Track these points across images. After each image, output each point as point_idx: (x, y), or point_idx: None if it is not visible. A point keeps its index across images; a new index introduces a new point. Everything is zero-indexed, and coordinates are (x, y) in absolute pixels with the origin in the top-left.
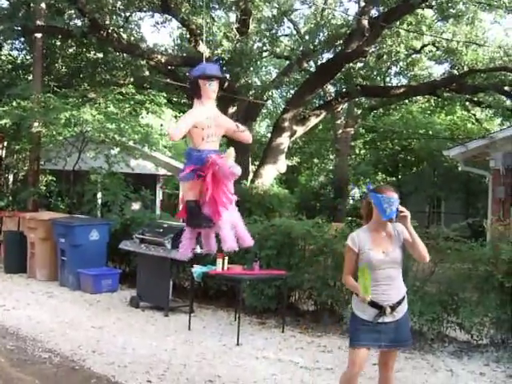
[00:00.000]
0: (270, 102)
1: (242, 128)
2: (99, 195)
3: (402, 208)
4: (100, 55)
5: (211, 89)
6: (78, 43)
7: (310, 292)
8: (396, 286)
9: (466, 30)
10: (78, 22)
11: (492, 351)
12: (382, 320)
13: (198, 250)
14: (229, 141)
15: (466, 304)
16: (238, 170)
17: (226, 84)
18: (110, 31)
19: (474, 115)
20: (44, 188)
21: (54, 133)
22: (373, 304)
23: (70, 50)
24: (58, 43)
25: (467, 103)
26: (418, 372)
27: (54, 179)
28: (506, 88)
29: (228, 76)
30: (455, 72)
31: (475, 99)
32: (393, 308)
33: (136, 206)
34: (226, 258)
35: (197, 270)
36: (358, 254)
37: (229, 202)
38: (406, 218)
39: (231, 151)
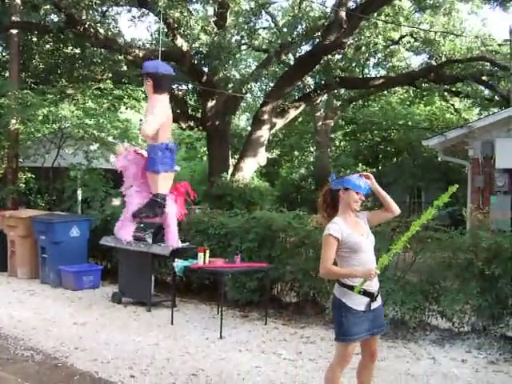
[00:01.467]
0: (249, 95)
1: None
2: (79, 191)
3: (363, 173)
4: (77, 51)
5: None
6: (54, 39)
7: (292, 284)
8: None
9: (444, 20)
10: (55, 18)
11: (473, 338)
12: (372, 307)
13: (180, 244)
14: (208, 134)
15: (446, 292)
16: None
17: (205, 77)
18: (86, 26)
19: (453, 105)
20: (23, 185)
21: (33, 130)
22: (365, 293)
23: (47, 46)
24: (35, 39)
25: (446, 93)
26: (400, 360)
27: (34, 176)
28: (484, 78)
29: (206, 70)
30: (433, 62)
31: (453, 89)
32: (378, 294)
33: (117, 201)
34: (208, 251)
35: (178, 264)
36: (340, 243)
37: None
38: (370, 177)
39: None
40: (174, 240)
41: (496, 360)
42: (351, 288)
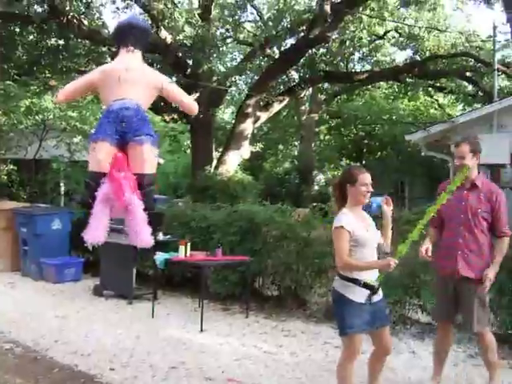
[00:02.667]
0: (233, 88)
1: None
2: (62, 184)
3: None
4: (61, 42)
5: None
6: (38, 30)
7: (273, 277)
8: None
9: (428, 16)
10: (38, 8)
11: (453, 332)
12: (373, 300)
13: (161, 236)
14: (192, 128)
15: (427, 286)
16: None
17: (189, 70)
18: (70, 17)
19: (437, 101)
20: (5, 177)
21: (15, 121)
22: (363, 284)
23: (30, 37)
24: (18, 30)
25: (430, 89)
26: None
27: (15, 168)
28: (468, 73)
29: (190, 62)
30: (417, 58)
31: (437, 85)
32: (379, 286)
33: None
34: (189, 244)
35: (159, 257)
36: (351, 235)
37: None
38: (390, 203)
39: None
40: (86, 234)
41: (475, 354)
42: (352, 280)
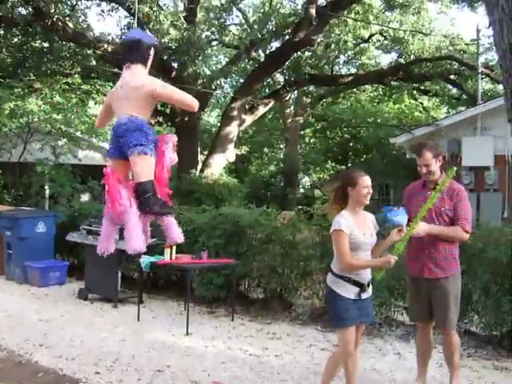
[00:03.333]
0: (218, 91)
1: None
2: (46, 187)
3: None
4: (46, 45)
5: (151, 60)
6: (22, 32)
7: (258, 280)
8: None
9: (413, 19)
10: (22, 11)
11: (438, 334)
12: (362, 297)
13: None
14: (177, 130)
15: None
16: (175, 159)
17: (174, 73)
18: (55, 20)
19: (422, 104)
20: None
21: None
22: (354, 282)
23: (15, 40)
24: (2, 32)
25: (414, 92)
26: (366, 356)
27: (0, 171)
28: (452, 77)
29: (175, 65)
30: (402, 61)
31: (422, 88)
32: (368, 285)
33: (85, 197)
34: (174, 247)
35: (145, 260)
36: (349, 237)
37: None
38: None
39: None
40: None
41: (460, 355)
42: (342, 278)
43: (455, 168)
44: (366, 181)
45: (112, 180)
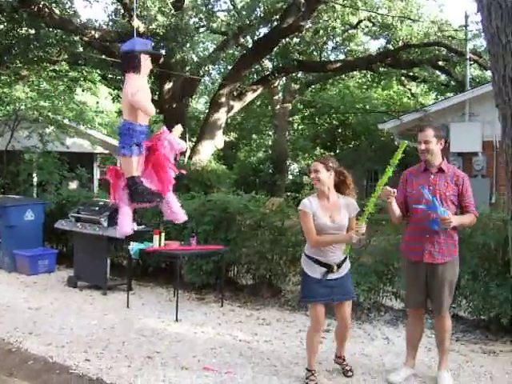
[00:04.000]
0: (206, 77)
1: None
2: (34, 175)
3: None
4: (32, 31)
5: (148, 65)
6: (8, 19)
7: (248, 266)
8: (341, 248)
9: (401, 5)
10: None
11: (426, 318)
12: (330, 277)
13: (135, 226)
14: (165, 117)
15: (400, 273)
16: (184, 145)
17: (162, 60)
18: (41, 6)
19: (410, 90)
20: None
21: None
22: (322, 263)
23: (1, 26)
24: None
25: (403, 78)
26: (355, 341)
27: None
28: (440, 63)
29: (163, 51)
30: (390, 47)
31: (410, 74)
32: (339, 266)
33: (73, 185)
34: (163, 234)
35: (134, 247)
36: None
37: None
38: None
39: (179, 127)
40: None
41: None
42: (311, 258)
43: (406, 141)
44: (311, 167)
45: (111, 175)
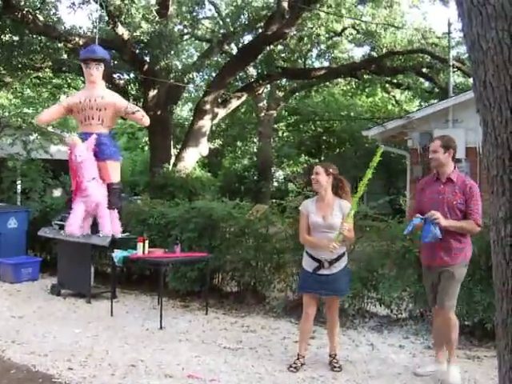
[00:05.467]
0: (191, 85)
1: (132, 109)
2: (18, 182)
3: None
4: (16, 38)
5: (88, 72)
6: None
7: (232, 273)
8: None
9: (385, 13)
10: None
11: (411, 325)
12: (321, 272)
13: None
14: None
15: (385, 280)
16: (80, 158)
17: (146, 67)
18: (25, 13)
19: (394, 97)
20: None
21: None
22: (314, 258)
23: None
24: None
25: (387, 85)
26: (340, 347)
27: None
28: (424, 70)
29: (147, 59)
30: (374, 54)
31: (395, 81)
32: (330, 263)
33: (57, 192)
34: (147, 241)
35: (117, 254)
36: (307, 217)
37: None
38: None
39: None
40: (106, 228)
41: (432, 345)
42: (307, 253)
43: (383, 147)
44: (314, 169)
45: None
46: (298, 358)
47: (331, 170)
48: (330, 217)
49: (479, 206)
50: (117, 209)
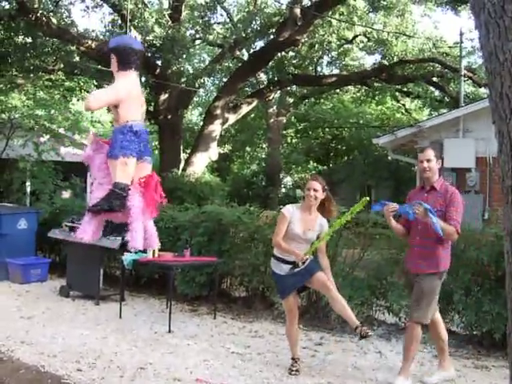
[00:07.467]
0: (202, 89)
1: None
2: (28, 183)
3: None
4: (29, 40)
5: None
6: (5, 27)
7: (241, 278)
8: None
9: (397, 21)
10: (6, 5)
11: (425, 331)
12: (296, 270)
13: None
14: (160, 128)
15: (393, 288)
16: None
17: (158, 71)
18: (39, 15)
19: (404, 105)
20: None
21: None
22: (288, 262)
23: None
24: None
25: (397, 93)
26: (347, 354)
27: None
28: (434, 79)
29: (159, 63)
30: (385, 62)
31: (405, 89)
32: (303, 262)
33: (67, 194)
34: None
35: (127, 257)
36: (288, 223)
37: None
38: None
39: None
40: (136, 241)
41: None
42: (277, 258)
43: (367, 198)
44: (309, 184)
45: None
46: (295, 362)
47: (326, 187)
48: (310, 232)
49: (459, 214)
50: (101, 210)
